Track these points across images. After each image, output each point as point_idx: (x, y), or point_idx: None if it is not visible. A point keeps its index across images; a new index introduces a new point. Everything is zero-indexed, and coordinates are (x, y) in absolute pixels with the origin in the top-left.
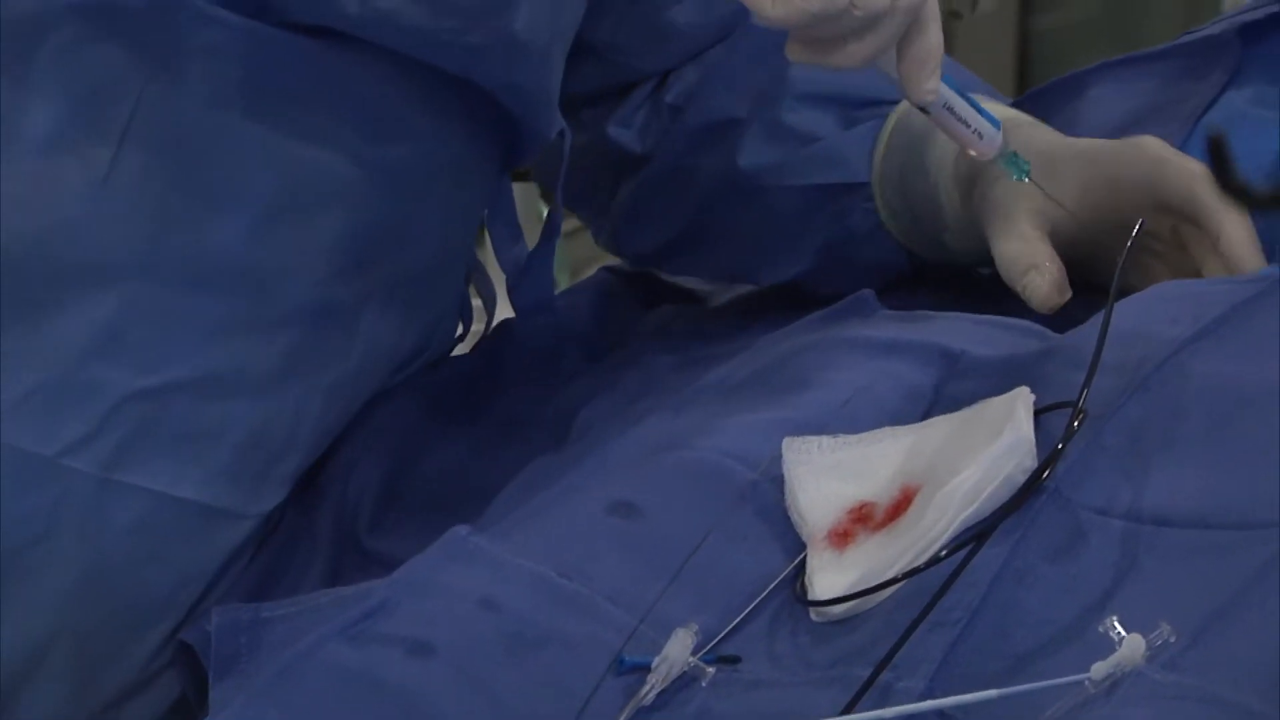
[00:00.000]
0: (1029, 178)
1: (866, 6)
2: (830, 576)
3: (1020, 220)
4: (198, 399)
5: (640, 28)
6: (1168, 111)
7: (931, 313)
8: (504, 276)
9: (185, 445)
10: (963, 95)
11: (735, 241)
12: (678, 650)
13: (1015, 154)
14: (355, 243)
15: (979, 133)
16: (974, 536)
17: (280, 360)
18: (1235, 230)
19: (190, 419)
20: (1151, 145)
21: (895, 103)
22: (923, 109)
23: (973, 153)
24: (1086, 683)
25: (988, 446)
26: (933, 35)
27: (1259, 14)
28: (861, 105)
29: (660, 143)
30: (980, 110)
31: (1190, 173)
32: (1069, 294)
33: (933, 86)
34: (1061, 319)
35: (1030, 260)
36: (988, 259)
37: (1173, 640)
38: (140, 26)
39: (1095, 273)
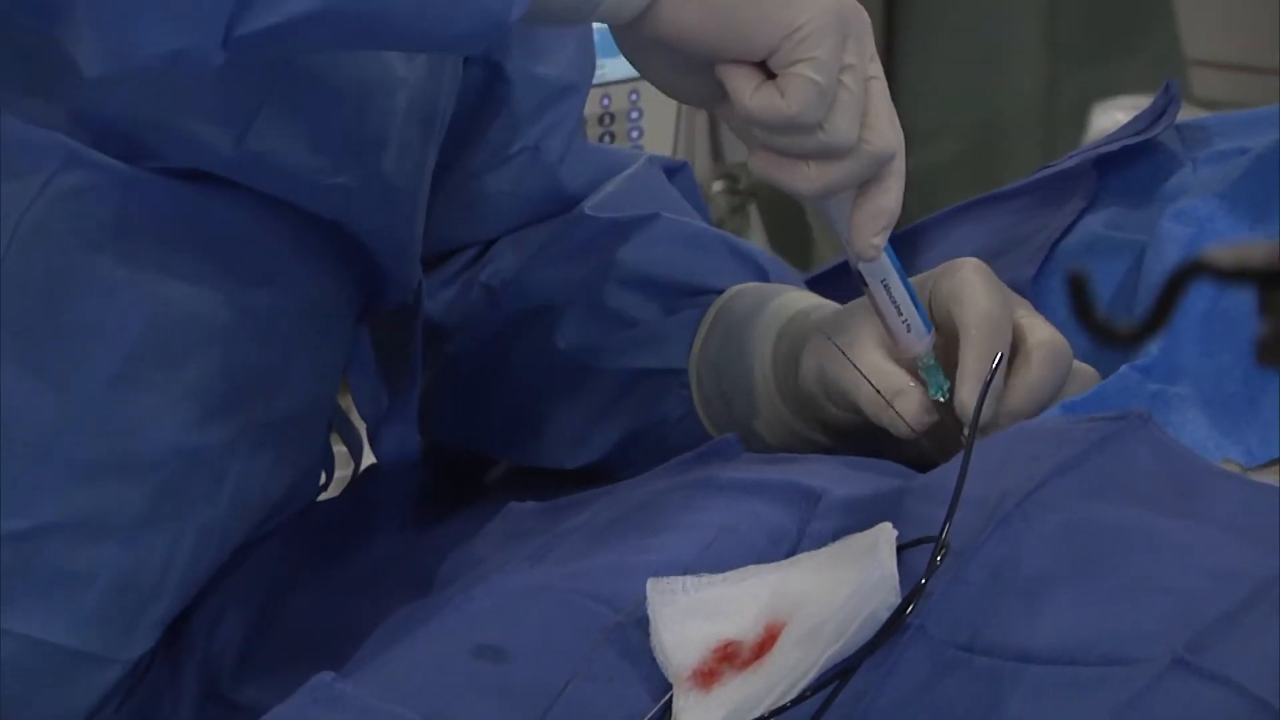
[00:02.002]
0: (944, 398)
1: (833, 133)
2: (696, 716)
3: (868, 352)
4: (68, 542)
5: (453, 194)
6: (1025, 241)
7: (793, 454)
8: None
9: (55, 589)
10: (906, 285)
11: (542, 423)
12: None
13: (939, 367)
14: (224, 387)
15: (908, 324)
16: (838, 674)
17: (149, 504)
18: (968, 361)
19: (61, 562)
20: (962, 263)
21: (719, 292)
22: (859, 278)
23: (898, 345)
24: None
25: (851, 584)
26: (893, 192)
27: (1114, 146)
28: (686, 294)
29: (470, 320)
30: (918, 305)
31: (960, 290)
32: (935, 415)
33: (878, 244)
34: (922, 462)
35: (893, 388)
36: (798, 450)
37: None
38: (14, 166)
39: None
